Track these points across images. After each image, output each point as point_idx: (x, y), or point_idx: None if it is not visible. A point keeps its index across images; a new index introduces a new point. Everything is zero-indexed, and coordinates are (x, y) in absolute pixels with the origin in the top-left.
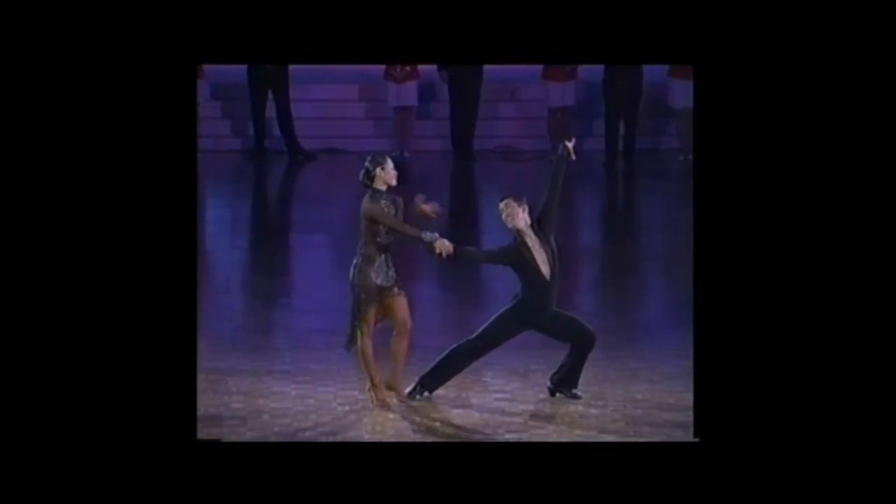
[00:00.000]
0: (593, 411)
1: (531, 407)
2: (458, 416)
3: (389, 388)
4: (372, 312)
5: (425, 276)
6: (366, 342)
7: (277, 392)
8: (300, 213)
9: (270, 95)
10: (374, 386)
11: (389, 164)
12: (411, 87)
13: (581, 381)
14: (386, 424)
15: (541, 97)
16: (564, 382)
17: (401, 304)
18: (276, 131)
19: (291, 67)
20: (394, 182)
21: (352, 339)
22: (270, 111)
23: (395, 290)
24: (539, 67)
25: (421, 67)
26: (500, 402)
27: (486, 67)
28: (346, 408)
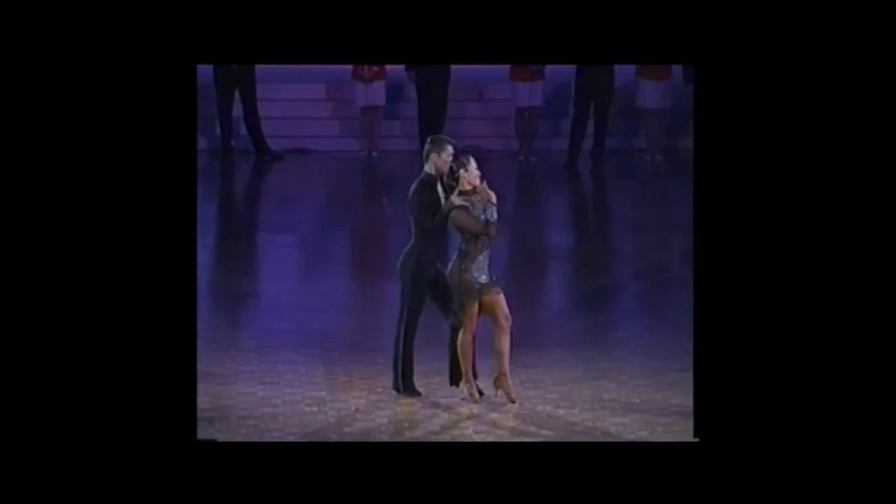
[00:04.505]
0: (561, 411)
1: (500, 407)
2: (426, 416)
3: (498, 387)
4: (474, 309)
5: (394, 276)
6: (467, 338)
7: (244, 393)
8: (267, 213)
9: (237, 95)
10: (468, 381)
11: (473, 164)
12: (379, 87)
13: (549, 381)
14: (353, 425)
15: (508, 97)
16: (454, 378)
17: (500, 301)
18: (243, 131)
19: (258, 67)
20: (477, 182)
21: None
22: (237, 111)
23: (494, 287)
24: (507, 67)
25: (388, 67)
26: (469, 403)
27: (454, 67)
28: (314, 408)
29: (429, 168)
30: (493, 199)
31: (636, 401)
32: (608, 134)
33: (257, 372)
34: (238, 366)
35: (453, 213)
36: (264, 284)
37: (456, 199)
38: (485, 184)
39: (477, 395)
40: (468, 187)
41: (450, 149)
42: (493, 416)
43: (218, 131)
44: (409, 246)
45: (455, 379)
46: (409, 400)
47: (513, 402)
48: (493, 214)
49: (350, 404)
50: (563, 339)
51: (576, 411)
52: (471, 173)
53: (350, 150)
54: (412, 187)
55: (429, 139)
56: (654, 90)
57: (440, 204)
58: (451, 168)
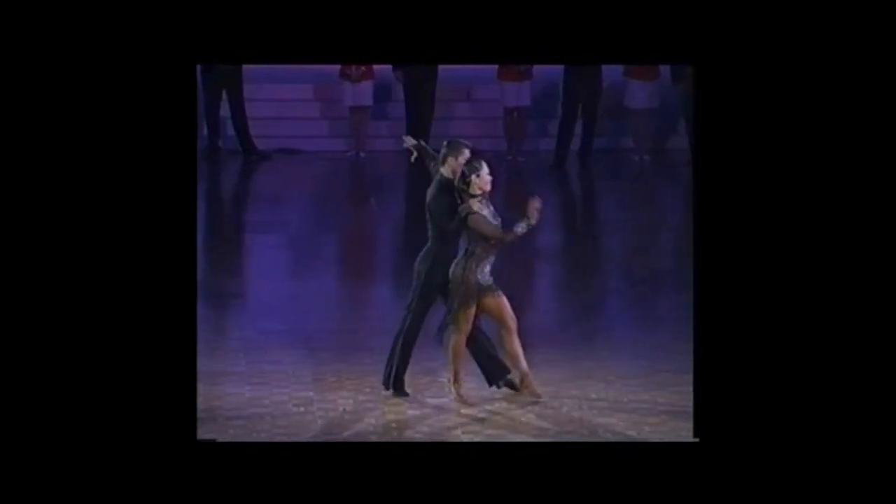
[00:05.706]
0: (549, 411)
1: (488, 406)
2: (415, 417)
3: (525, 386)
4: (472, 310)
5: (381, 276)
6: (461, 339)
7: (232, 393)
8: (254, 214)
9: (224, 95)
10: (456, 381)
11: (485, 169)
12: (367, 87)
13: (537, 380)
14: (341, 426)
15: (496, 97)
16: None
17: (504, 303)
18: (231, 131)
19: (246, 67)
20: (488, 187)
21: (444, 329)
22: (224, 111)
23: (495, 289)
24: (494, 67)
25: (376, 67)
26: (457, 402)
27: (442, 67)
28: (301, 409)
29: (445, 171)
30: (534, 220)
31: (624, 400)
32: (596, 134)
33: (245, 372)
34: (226, 366)
35: (472, 217)
36: (252, 284)
37: (474, 205)
38: (538, 202)
39: (465, 397)
40: (478, 192)
41: (467, 153)
42: (483, 416)
43: (205, 131)
44: (425, 248)
45: (494, 379)
46: (397, 400)
47: (539, 397)
48: (521, 228)
49: (338, 405)
50: (550, 338)
51: (564, 411)
52: (482, 178)
53: (338, 150)
54: (430, 191)
55: (445, 143)
56: (642, 90)
57: (458, 207)
58: (462, 172)
